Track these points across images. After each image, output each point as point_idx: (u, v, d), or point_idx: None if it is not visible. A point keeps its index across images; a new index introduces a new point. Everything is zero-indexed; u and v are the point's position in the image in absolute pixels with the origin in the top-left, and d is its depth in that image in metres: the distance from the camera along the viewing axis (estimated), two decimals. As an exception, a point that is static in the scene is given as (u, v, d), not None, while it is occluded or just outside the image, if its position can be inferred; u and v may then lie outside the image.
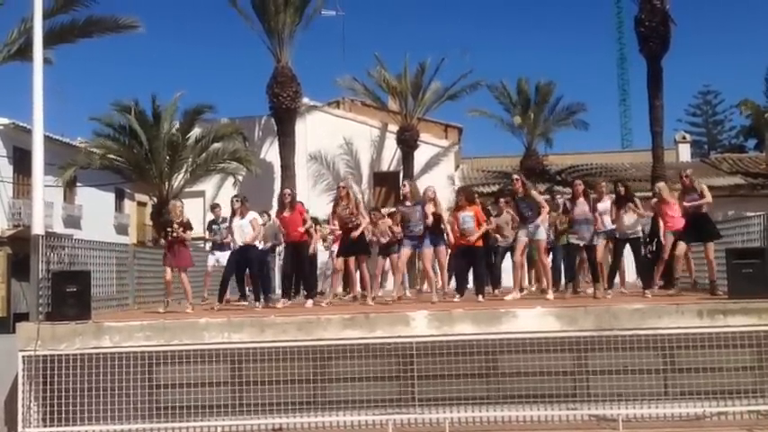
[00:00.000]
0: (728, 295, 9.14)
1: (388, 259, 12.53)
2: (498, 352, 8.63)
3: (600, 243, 10.55)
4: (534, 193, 10.57)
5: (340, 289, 13.16)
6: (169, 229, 10.59)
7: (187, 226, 10.71)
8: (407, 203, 10.65)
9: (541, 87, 26.10)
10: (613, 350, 8.51)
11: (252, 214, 11.14)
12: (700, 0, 68.26)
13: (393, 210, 12.89)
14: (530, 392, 8.62)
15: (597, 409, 8.54)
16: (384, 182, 25.94)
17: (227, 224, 11.63)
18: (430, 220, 10.44)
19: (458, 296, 10.55)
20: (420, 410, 8.63)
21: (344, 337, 8.58)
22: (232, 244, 11.38)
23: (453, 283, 11.66)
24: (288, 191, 11.40)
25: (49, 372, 8.50)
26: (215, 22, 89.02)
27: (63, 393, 8.43)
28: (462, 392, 8.68)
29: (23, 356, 8.45)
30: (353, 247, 10.71)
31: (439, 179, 22.54)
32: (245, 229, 10.90)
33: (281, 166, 22.71)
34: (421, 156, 24.99)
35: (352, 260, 11.22)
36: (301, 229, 10.79)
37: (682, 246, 10.33)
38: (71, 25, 17.78)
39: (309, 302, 10.55)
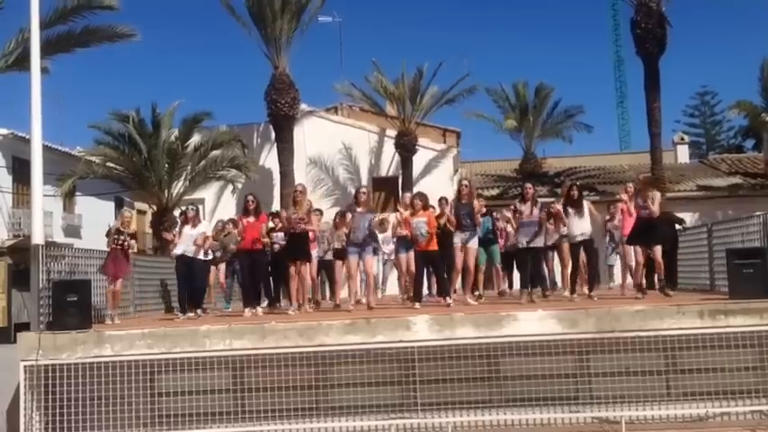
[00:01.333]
0: (729, 296, 9.15)
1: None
2: (500, 355, 8.62)
3: (565, 246, 10.82)
4: (476, 203, 10.79)
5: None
6: (121, 238, 10.48)
7: (133, 237, 10.78)
8: (359, 209, 10.46)
9: (539, 91, 26.15)
10: (615, 352, 8.50)
11: (203, 226, 11.15)
12: (695, 1, 68.36)
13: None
14: (532, 395, 8.61)
15: (600, 411, 8.53)
16: (383, 186, 25.92)
17: (176, 231, 11.43)
18: (376, 226, 10.52)
19: (417, 304, 10.23)
20: (422, 415, 8.62)
21: (346, 343, 8.58)
22: (176, 251, 11.21)
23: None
24: (251, 197, 10.96)
25: (50, 381, 8.47)
26: (212, 30, 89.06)
27: (65, 402, 8.40)
28: (464, 396, 8.67)
29: (25, 366, 8.44)
30: (296, 252, 10.63)
31: (438, 183, 22.54)
32: (196, 240, 10.88)
33: (280, 173, 22.74)
34: (420, 160, 25.01)
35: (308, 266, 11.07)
36: (261, 241, 10.75)
37: (638, 250, 10.51)
38: (68, 35, 17.86)
39: (258, 310, 10.59)
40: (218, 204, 24.29)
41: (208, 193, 23.93)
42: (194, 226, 10.97)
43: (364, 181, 25.80)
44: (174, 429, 8.53)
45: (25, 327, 9.69)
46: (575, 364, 8.68)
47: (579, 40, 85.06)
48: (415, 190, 20.37)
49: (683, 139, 33.23)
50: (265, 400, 8.53)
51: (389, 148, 25.48)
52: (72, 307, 8.83)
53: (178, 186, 22.46)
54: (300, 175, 23.81)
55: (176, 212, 21.61)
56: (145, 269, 12.30)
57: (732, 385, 8.45)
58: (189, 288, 11.03)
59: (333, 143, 25.51)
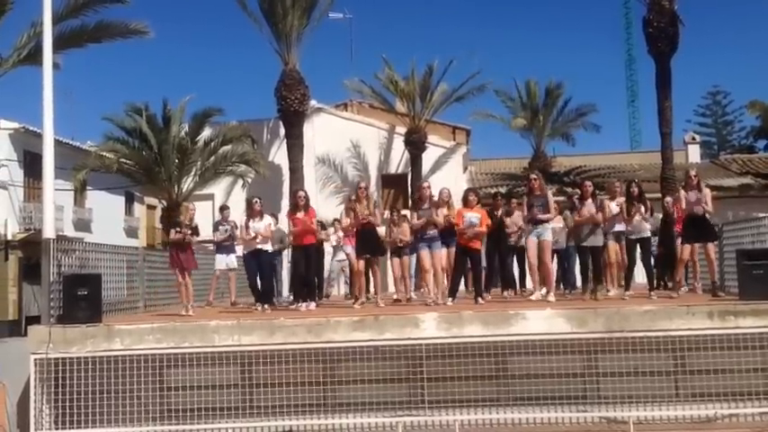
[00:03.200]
0: (739, 297, 9.11)
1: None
2: (508, 354, 8.62)
3: (611, 243, 10.52)
4: (549, 193, 10.75)
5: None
6: (177, 230, 10.60)
7: (195, 231, 10.80)
8: (425, 206, 10.62)
9: (550, 89, 26.06)
10: (624, 352, 8.49)
11: (268, 218, 11.33)
12: (707, 0, 67.91)
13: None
14: (540, 394, 8.61)
15: (608, 411, 8.53)
16: (392, 184, 25.95)
17: (244, 224, 11.42)
18: (440, 223, 10.44)
19: (450, 300, 10.24)
20: (430, 412, 8.63)
21: (354, 340, 8.59)
22: (244, 245, 11.29)
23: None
24: (303, 192, 11.06)
25: (60, 374, 8.54)
26: (224, 25, 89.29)
27: (74, 396, 8.47)
28: (472, 394, 8.68)
29: (35, 359, 8.51)
30: (369, 248, 10.75)
31: (447, 181, 22.48)
32: (263, 232, 11.04)
33: (290, 169, 22.77)
34: (429, 158, 24.98)
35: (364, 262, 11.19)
36: (314, 236, 10.83)
37: (686, 248, 10.33)
38: (81, 30, 17.83)
39: (312, 304, 10.57)
40: (227, 200, 24.34)
41: (217, 188, 23.98)
42: (262, 218, 11.12)
43: (373, 178, 25.79)
44: (183, 423, 8.58)
45: (36, 320, 9.76)
46: (583, 363, 8.66)
47: (590, 39, 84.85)
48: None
49: (694, 138, 33.05)
50: (273, 395, 8.57)
51: (399, 146, 25.46)
52: (82, 301, 8.89)
53: (188, 181, 22.53)
54: (309, 171, 23.85)
55: (186, 205, 21.68)
56: (155, 264, 12.29)
57: (741, 387, 8.43)
58: (262, 281, 11.31)
59: (342, 140, 25.50)
